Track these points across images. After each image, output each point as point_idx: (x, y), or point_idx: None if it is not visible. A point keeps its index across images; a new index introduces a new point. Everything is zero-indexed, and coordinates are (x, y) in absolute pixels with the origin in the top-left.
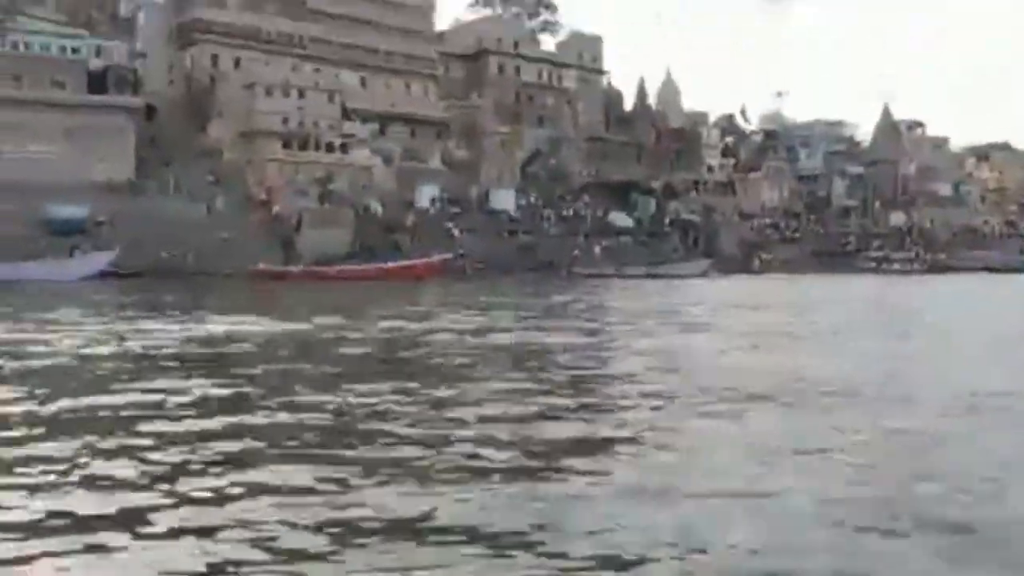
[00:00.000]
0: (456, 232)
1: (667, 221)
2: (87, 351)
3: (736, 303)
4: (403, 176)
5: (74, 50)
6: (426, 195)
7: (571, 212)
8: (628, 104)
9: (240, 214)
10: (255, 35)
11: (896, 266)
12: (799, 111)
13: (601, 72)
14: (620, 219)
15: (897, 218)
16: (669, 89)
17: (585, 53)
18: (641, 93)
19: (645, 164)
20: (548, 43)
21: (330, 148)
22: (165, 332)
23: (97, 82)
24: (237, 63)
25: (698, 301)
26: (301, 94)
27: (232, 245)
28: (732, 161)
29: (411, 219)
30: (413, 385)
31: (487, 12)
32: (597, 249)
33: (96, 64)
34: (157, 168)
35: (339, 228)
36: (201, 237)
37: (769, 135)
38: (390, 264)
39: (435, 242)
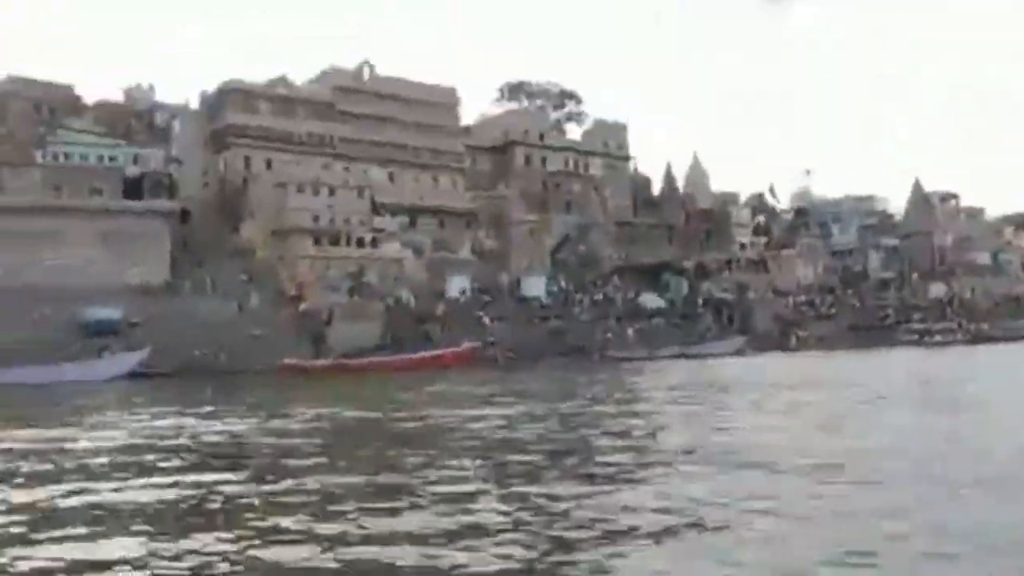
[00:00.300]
0: (487, 320)
1: (700, 301)
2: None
3: (779, 382)
4: (433, 267)
5: (111, 158)
6: (456, 285)
7: (602, 296)
8: (656, 188)
9: (272, 311)
10: (286, 137)
11: (938, 337)
12: (828, 187)
13: (627, 158)
14: (651, 300)
15: (937, 289)
16: (697, 172)
17: (610, 140)
18: (669, 176)
19: (676, 245)
20: (574, 132)
21: (360, 243)
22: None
23: (134, 188)
24: (269, 164)
25: (739, 380)
26: (331, 191)
27: (263, 341)
28: (764, 239)
29: (441, 309)
30: None
31: (512, 105)
32: (630, 331)
33: (133, 171)
34: (192, 269)
35: (369, 321)
36: (233, 335)
37: (800, 212)
38: (417, 355)
39: (466, 331)
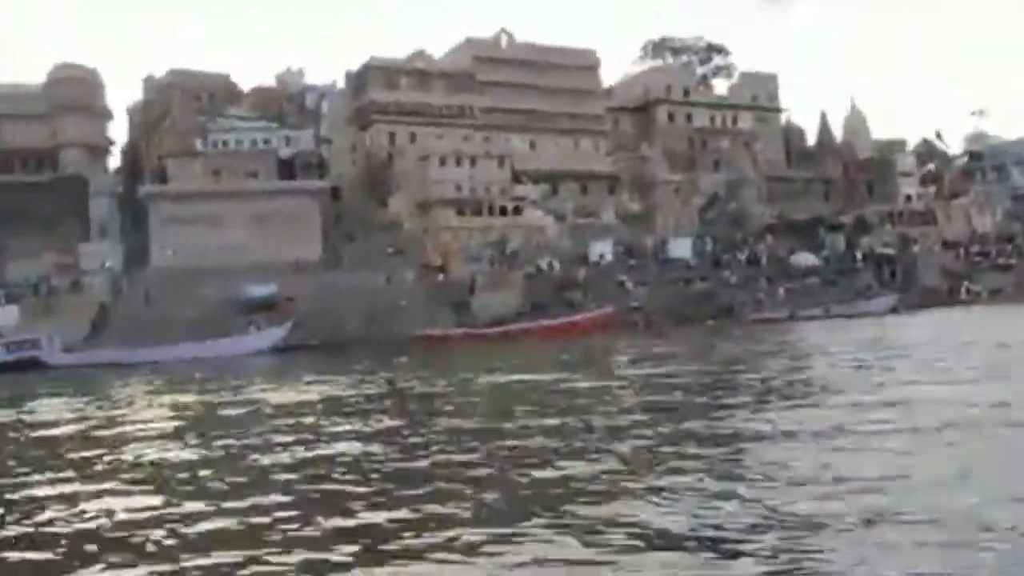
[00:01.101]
0: (630, 285)
1: (859, 257)
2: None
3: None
4: (576, 233)
5: (265, 141)
6: (598, 250)
7: (752, 256)
8: (811, 140)
9: (418, 282)
10: (427, 111)
11: None
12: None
13: (778, 110)
14: (805, 259)
15: None
16: (855, 120)
17: (760, 93)
18: (824, 126)
19: (832, 199)
20: (723, 88)
21: (503, 211)
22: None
23: (287, 169)
24: (412, 138)
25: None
26: (472, 162)
27: (409, 312)
28: (932, 188)
29: (583, 275)
30: None
31: (656, 63)
32: (781, 291)
33: (286, 152)
34: (342, 244)
35: (511, 289)
36: (381, 307)
37: (974, 156)
38: (553, 321)
39: (609, 296)
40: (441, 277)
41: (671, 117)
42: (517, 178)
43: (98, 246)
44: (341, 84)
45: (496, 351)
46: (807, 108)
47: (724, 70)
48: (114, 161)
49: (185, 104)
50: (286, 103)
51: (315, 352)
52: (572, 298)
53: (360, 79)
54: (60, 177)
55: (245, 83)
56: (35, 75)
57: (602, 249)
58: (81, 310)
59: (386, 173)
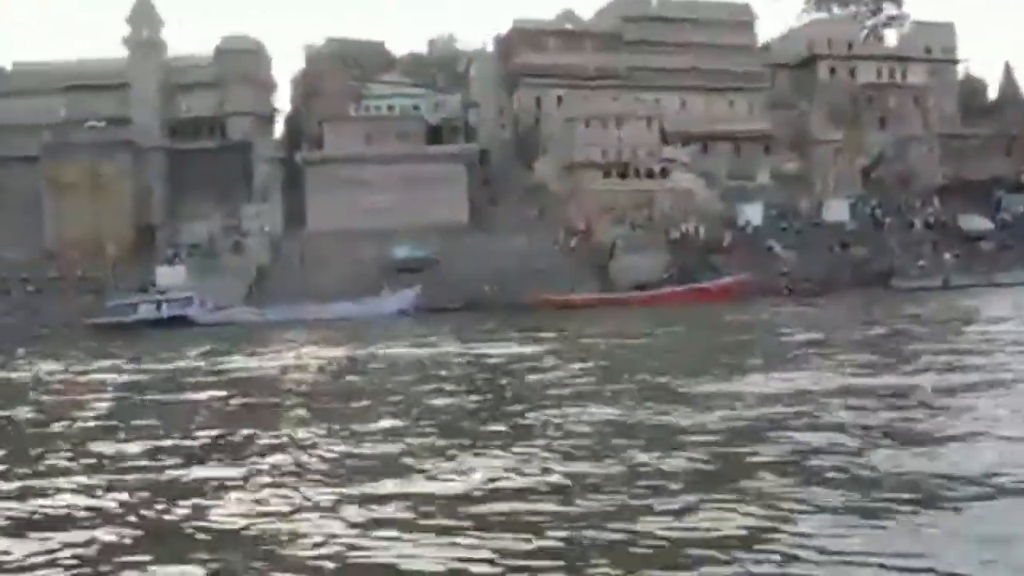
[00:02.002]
0: (779, 249)
1: None
2: None
3: None
4: (727, 195)
5: (415, 107)
6: (747, 213)
7: (919, 219)
8: (993, 93)
9: (561, 245)
10: (574, 72)
11: None
12: None
13: (955, 62)
14: (976, 222)
15: None
16: None
17: (934, 44)
18: (1008, 77)
19: (1016, 157)
20: (895, 39)
21: (650, 174)
22: None
23: (435, 134)
24: (559, 101)
25: None
26: (619, 123)
27: (550, 275)
28: None
29: (728, 239)
30: None
31: (822, 16)
32: (947, 257)
33: (435, 117)
34: (488, 207)
35: (654, 253)
36: (522, 270)
37: None
38: (679, 288)
39: (756, 261)
40: (584, 241)
41: (833, 72)
42: (666, 139)
43: (259, 209)
44: (490, 48)
45: (617, 316)
46: (990, 59)
47: (896, 20)
48: (279, 129)
49: (340, 71)
50: (437, 69)
51: (454, 314)
52: (716, 263)
53: (507, 42)
54: (228, 144)
55: (399, 49)
56: (206, 46)
57: (751, 212)
58: (241, 270)
59: (533, 136)
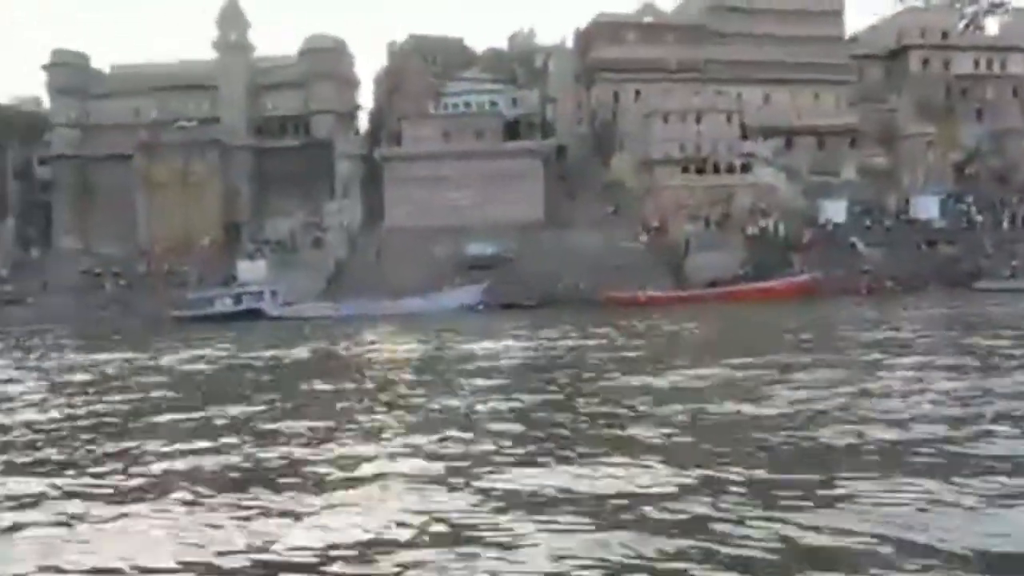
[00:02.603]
0: (861, 247)
1: None
2: None
3: None
4: (810, 191)
5: (492, 103)
6: (830, 209)
7: (1016, 217)
8: None
9: (635, 242)
10: (654, 66)
11: None
12: None
13: None
14: None
15: None
16: None
17: None
18: None
19: None
20: (995, 28)
21: (730, 169)
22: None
23: (512, 130)
24: (637, 95)
25: None
26: (698, 118)
27: (624, 272)
28: None
29: (808, 236)
30: None
31: (916, 2)
32: None
33: (512, 113)
34: (564, 204)
35: (729, 250)
36: (597, 267)
37: None
38: (748, 287)
39: (838, 259)
40: (659, 237)
41: (926, 63)
42: (746, 134)
43: (340, 205)
44: (569, 43)
45: (680, 315)
46: None
47: (1000, 8)
48: (363, 126)
49: (420, 68)
50: (517, 64)
51: (528, 311)
52: (794, 260)
53: (586, 36)
54: (311, 141)
55: (479, 45)
56: (291, 47)
57: (834, 209)
58: (319, 265)
59: (610, 132)
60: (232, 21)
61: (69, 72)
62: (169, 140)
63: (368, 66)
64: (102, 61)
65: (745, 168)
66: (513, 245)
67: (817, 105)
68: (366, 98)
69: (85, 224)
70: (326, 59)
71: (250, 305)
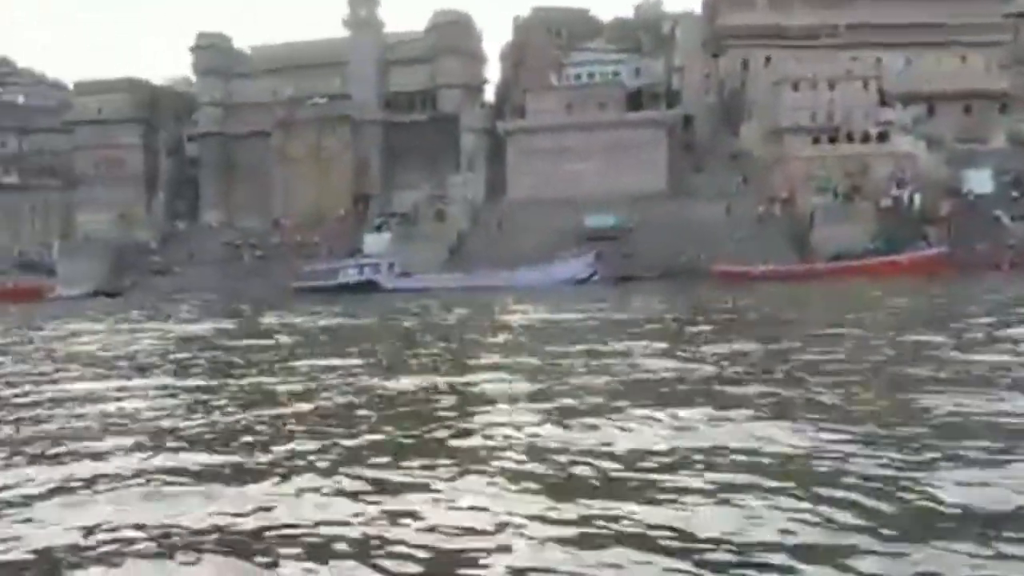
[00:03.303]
0: (1006, 220)
1: None
2: None
3: None
4: (955, 160)
5: (614, 74)
6: (974, 180)
7: None
8: None
9: (759, 214)
10: (784, 32)
11: None
12: None
13: None
14: None
15: None
16: None
17: None
18: None
19: None
20: None
21: (865, 138)
22: None
23: (635, 100)
24: (767, 62)
25: None
26: (831, 85)
27: (746, 245)
28: None
29: (946, 208)
30: None
31: None
32: None
33: (636, 83)
34: (689, 175)
35: (859, 223)
36: (718, 239)
37: None
38: (866, 262)
39: (980, 232)
40: (786, 209)
41: None
42: (884, 100)
43: (464, 178)
44: (697, 10)
45: (791, 292)
46: None
47: None
48: (489, 100)
49: (544, 41)
50: (643, 33)
51: (645, 283)
52: (928, 233)
53: (715, 3)
54: (438, 116)
55: (605, 15)
56: (418, 22)
57: (978, 179)
58: (442, 237)
59: (738, 101)
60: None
61: (213, 53)
62: (303, 117)
63: (496, 41)
64: (242, 42)
65: (882, 137)
66: (633, 217)
67: (964, 68)
68: (493, 72)
69: (228, 198)
70: (453, 33)
71: (365, 277)
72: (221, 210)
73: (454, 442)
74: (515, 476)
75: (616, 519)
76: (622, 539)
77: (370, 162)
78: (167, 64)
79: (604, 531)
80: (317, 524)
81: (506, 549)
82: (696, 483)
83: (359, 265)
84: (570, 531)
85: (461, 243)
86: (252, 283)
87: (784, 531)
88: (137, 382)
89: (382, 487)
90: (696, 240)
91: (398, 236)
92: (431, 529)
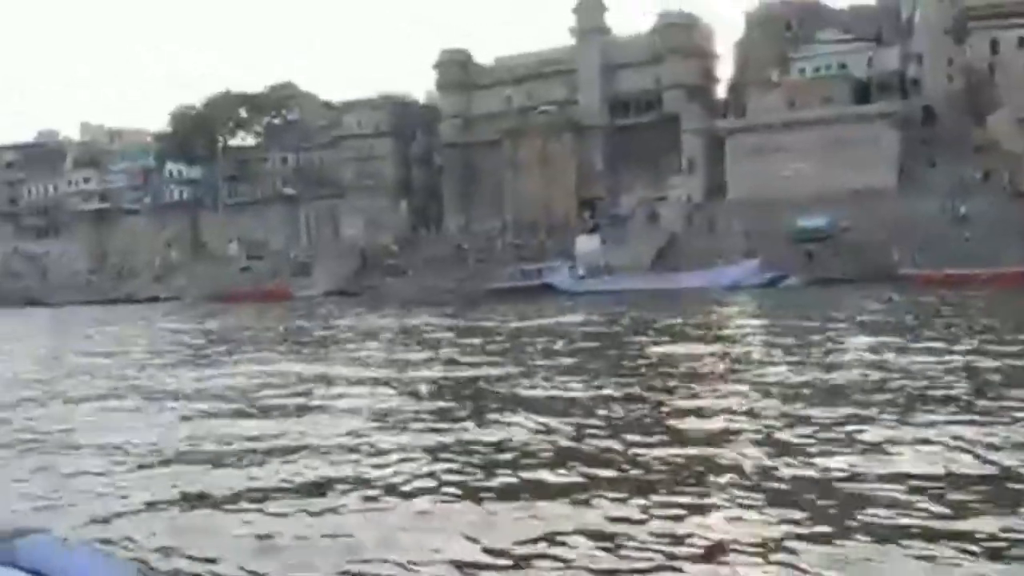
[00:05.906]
0: None
1: None
2: None
3: None
4: None
5: (841, 66)
6: None
7: None
8: None
9: (1002, 211)
10: None
11: None
12: None
13: None
14: None
15: None
16: None
17: None
18: None
19: None
20: None
21: None
22: None
23: (863, 92)
24: (1021, 43)
25: None
26: None
27: (969, 246)
28: None
29: None
30: None
31: None
32: None
33: (866, 74)
34: (924, 170)
35: None
36: (946, 238)
37: None
38: None
39: None
40: None
41: None
42: None
43: (684, 179)
44: None
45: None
46: None
47: None
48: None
49: (770, 36)
50: (881, 19)
51: (838, 286)
52: None
53: None
54: (661, 117)
55: (841, 3)
56: (643, 24)
57: None
58: (651, 238)
59: (986, 88)
60: (589, 7)
61: (453, 68)
62: (531, 124)
63: (732, 38)
64: (480, 54)
65: None
66: (846, 217)
67: None
68: (727, 70)
69: (467, 205)
70: (678, 34)
71: (543, 280)
72: (461, 215)
73: None
74: None
75: None
76: None
77: (595, 165)
78: (420, 77)
79: None
80: None
81: None
82: None
83: (535, 269)
84: None
85: (671, 245)
86: (466, 285)
87: None
88: None
89: None
90: (921, 239)
91: (609, 238)
92: None
